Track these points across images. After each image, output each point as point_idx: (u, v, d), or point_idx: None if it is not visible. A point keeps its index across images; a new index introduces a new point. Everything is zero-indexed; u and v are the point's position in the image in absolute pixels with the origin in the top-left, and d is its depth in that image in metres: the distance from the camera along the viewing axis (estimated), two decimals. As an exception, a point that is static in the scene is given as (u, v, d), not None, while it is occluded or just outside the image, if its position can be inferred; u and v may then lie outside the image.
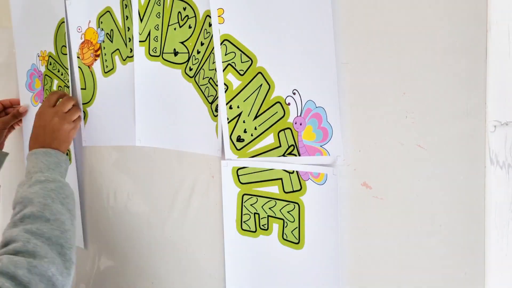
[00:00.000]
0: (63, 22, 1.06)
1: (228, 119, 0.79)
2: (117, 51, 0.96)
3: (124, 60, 0.94)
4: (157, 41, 0.89)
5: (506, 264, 0.56)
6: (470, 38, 0.57)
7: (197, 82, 0.84)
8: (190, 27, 0.84)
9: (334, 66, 0.67)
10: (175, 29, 0.86)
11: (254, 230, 0.79)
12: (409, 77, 0.62)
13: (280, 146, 0.74)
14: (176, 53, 0.86)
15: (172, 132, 0.89)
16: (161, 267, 0.96)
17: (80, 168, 1.09)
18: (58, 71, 1.10)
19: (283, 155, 0.74)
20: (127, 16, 0.92)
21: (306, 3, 0.68)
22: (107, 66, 0.98)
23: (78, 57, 1.04)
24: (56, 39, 1.09)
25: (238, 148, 0.78)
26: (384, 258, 0.66)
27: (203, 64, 0.83)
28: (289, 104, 0.72)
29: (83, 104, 1.04)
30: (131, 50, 0.92)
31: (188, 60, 0.85)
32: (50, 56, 1.11)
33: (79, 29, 1.03)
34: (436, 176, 0.61)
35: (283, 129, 0.73)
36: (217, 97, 0.80)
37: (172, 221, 0.92)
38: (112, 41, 0.96)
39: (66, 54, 1.06)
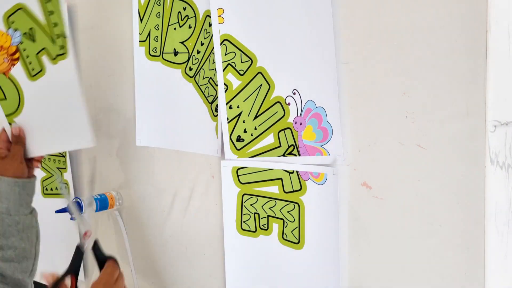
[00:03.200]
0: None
1: (228, 119, 0.79)
2: (44, 50, 0.83)
3: (54, 59, 0.82)
4: (157, 41, 0.89)
5: (506, 265, 0.56)
6: (470, 38, 0.57)
7: (197, 82, 0.84)
8: (190, 27, 0.84)
9: (334, 66, 0.67)
10: (175, 29, 0.86)
11: (254, 230, 0.79)
12: (409, 77, 0.62)
13: (280, 146, 0.74)
14: (176, 53, 0.86)
15: (172, 132, 0.89)
16: (161, 267, 0.96)
17: (80, 169, 1.09)
18: None
19: (283, 155, 0.74)
20: (51, 11, 0.80)
21: (306, 3, 0.68)
22: (33, 69, 0.84)
23: None
24: None
25: (238, 148, 0.78)
26: (384, 258, 0.66)
27: (203, 64, 0.83)
28: (289, 104, 0.72)
29: (6, 116, 0.88)
30: (62, 47, 0.80)
31: (188, 60, 0.85)
32: None
33: None
34: (436, 176, 0.61)
35: (283, 129, 0.73)
36: (217, 97, 0.80)
37: (172, 221, 0.92)
38: (34, 41, 0.83)
39: None
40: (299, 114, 0.71)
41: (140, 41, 0.91)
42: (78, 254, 0.73)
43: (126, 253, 0.98)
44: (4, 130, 0.85)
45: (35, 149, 0.86)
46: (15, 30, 0.84)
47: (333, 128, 0.68)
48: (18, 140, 0.84)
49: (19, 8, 0.82)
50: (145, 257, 0.98)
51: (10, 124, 0.86)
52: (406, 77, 0.62)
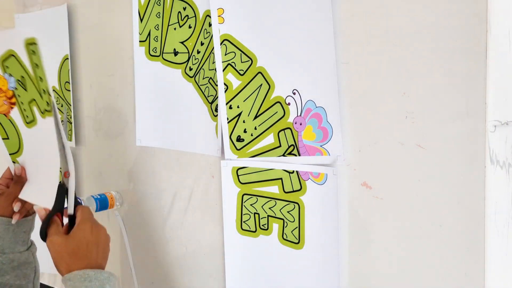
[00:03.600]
0: (67, 58, 1.05)
1: (228, 119, 0.79)
2: (34, 101, 0.80)
3: (42, 113, 0.79)
4: (157, 41, 0.89)
5: (506, 264, 0.56)
6: (470, 38, 0.57)
7: (197, 82, 0.84)
8: (190, 27, 0.84)
9: (334, 66, 0.67)
10: (175, 29, 0.86)
11: (254, 230, 0.79)
12: (409, 77, 0.62)
13: (280, 146, 0.74)
14: (176, 53, 0.86)
15: (172, 132, 0.89)
16: (161, 267, 0.96)
17: (80, 169, 1.09)
18: (62, 106, 1.09)
19: (283, 155, 0.74)
20: (36, 64, 0.77)
21: (306, 3, 0.68)
22: (27, 117, 0.83)
23: None
24: (60, 74, 1.08)
25: (238, 148, 0.78)
26: (384, 258, 0.66)
27: (203, 64, 0.83)
28: (289, 104, 0.72)
29: (10, 154, 0.87)
30: (48, 104, 0.76)
31: (188, 60, 0.85)
32: (53, 90, 1.09)
33: None
34: (436, 176, 0.61)
35: (283, 129, 0.73)
36: (217, 97, 0.80)
37: (172, 221, 0.92)
38: (26, 90, 0.81)
39: (69, 90, 1.06)
40: (299, 114, 0.71)
41: (140, 41, 0.91)
42: (61, 192, 0.73)
43: (126, 253, 0.98)
44: (9, 168, 0.85)
45: (25, 193, 0.82)
46: (10, 75, 0.82)
47: (333, 128, 0.68)
48: (18, 179, 0.83)
49: (11, 55, 0.80)
50: (145, 257, 0.98)
51: (14, 162, 0.87)
52: (406, 77, 0.62)
